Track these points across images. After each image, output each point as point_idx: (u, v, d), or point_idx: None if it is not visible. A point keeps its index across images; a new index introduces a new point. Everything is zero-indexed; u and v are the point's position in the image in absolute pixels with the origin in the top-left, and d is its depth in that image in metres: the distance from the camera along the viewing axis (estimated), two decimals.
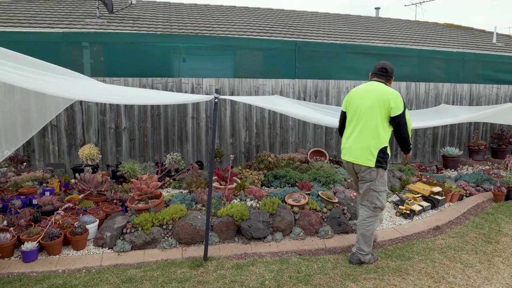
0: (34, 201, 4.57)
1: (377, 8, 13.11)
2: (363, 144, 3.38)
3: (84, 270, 3.40)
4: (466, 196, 5.62)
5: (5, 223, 3.91)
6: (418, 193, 5.27)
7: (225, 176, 5.05)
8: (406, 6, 31.82)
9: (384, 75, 3.51)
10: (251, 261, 3.60)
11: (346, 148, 3.54)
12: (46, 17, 7.22)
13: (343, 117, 3.66)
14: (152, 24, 7.51)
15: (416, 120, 5.65)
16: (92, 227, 3.97)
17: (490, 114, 5.73)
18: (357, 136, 3.42)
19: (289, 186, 5.55)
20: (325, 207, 4.52)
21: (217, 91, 3.57)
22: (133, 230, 3.89)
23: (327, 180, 5.56)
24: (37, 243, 3.58)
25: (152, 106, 6.59)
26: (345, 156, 3.57)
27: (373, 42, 8.13)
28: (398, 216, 4.84)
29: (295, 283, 3.19)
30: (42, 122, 4.49)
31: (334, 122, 4.82)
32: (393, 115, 3.33)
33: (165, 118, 6.67)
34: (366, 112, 3.37)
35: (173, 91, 6.61)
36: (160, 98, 4.59)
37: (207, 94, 6.75)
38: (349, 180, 5.83)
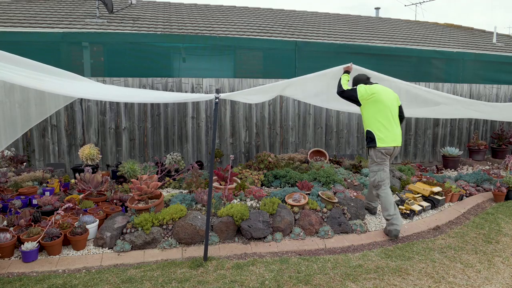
0: (34, 201, 4.57)
1: (377, 8, 13.11)
2: (400, 131, 4.34)
3: (84, 270, 3.40)
4: (466, 196, 5.62)
5: (5, 223, 3.91)
6: (418, 193, 5.27)
7: (225, 176, 5.05)
8: (406, 6, 31.84)
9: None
10: (251, 261, 3.60)
11: (392, 136, 4.21)
12: (46, 17, 7.22)
13: (355, 98, 4.29)
14: (152, 24, 7.51)
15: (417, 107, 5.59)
16: (92, 227, 3.97)
17: (491, 109, 5.71)
18: (396, 126, 4.28)
19: (289, 186, 5.55)
20: (325, 207, 4.52)
21: (217, 91, 3.58)
22: (133, 230, 3.89)
23: (327, 180, 5.57)
24: (37, 243, 3.58)
25: (152, 106, 6.59)
26: (392, 143, 4.21)
27: (373, 42, 8.13)
28: None
29: (295, 283, 3.19)
30: (41, 117, 4.53)
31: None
32: (399, 104, 4.46)
33: (165, 118, 6.67)
34: (394, 106, 4.29)
35: (173, 91, 6.61)
36: (160, 98, 4.58)
37: (207, 94, 6.75)
38: (349, 180, 5.83)
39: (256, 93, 4.73)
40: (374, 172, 4.27)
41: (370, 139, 4.20)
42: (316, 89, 5.26)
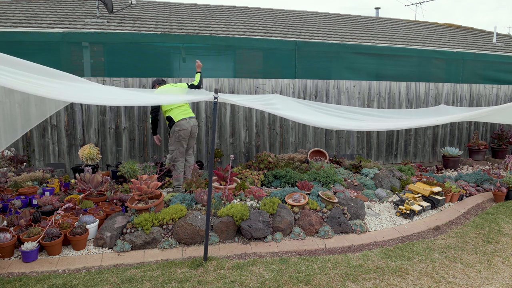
0: (34, 201, 4.57)
1: (377, 8, 13.11)
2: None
3: (84, 270, 3.40)
4: (466, 196, 5.62)
5: (5, 223, 3.91)
6: (418, 193, 5.27)
7: (225, 176, 5.05)
8: (406, 6, 31.82)
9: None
10: (251, 261, 3.60)
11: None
12: (46, 17, 7.22)
13: None
14: (152, 24, 7.51)
15: (417, 119, 5.62)
16: (92, 227, 3.97)
17: (489, 112, 5.71)
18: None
19: (289, 186, 5.55)
20: (325, 207, 4.52)
21: (216, 91, 3.57)
22: (133, 230, 3.89)
23: (327, 180, 5.57)
24: (37, 243, 3.58)
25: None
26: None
27: (373, 42, 8.13)
28: (398, 216, 4.84)
29: (295, 283, 3.19)
30: (42, 117, 4.55)
31: (334, 123, 4.79)
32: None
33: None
34: None
35: None
36: (160, 99, 4.54)
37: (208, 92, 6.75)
38: (349, 180, 5.83)
39: (253, 105, 4.66)
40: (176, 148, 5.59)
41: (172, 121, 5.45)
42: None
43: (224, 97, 3.82)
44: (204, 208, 4.40)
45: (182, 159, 5.62)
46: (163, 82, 5.93)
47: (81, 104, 6.28)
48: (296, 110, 5.11)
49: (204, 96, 3.97)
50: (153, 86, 5.89)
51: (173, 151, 5.56)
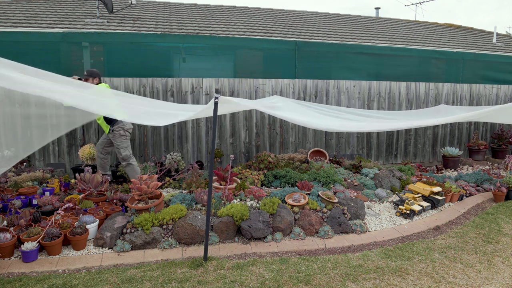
0: (34, 201, 4.57)
1: (377, 8, 13.12)
2: (102, 119, 5.27)
3: (84, 270, 3.40)
4: (466, 196, 5.62)
5: (5, 223, 3.91)
6: (418, 193, 5.27)
7: (225, 176, 5.05)
8: (406, 6, 31.84)
9: (87, 76, 5.12)
10: (251, 261, 3.60)
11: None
12: (46, 17, 7.22)
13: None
14: (152, 24, 7.51)
15: (416, 119, 5.64)
16: (92, 227, 3.97)
17: (489, 112, 5.71)
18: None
19: (289, 186, 5.55)
20: (325, 207, 4.52)
21: (217, 91, 3.57)
22: (133, 230, 3.89)
23: (327, 180, 5.57)
24: (37, 243, 3.58)
25: None
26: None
27: (373, 42, 8.13)
28: (398, 216, 4.84)
29: (295, 283, 3.19)
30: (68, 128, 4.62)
31: (335, 125, 4.79)
32: None
33: None
34: None
35: (173, 91, 6.62)
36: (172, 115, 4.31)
37: (207, 94, 6.76)
38: (349, 180, 5.83)
39: (253, 106, 4.65)
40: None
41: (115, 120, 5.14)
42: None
43: (225, 98, 3.80)
44: (204, 208, 4.40)
45: (134, 158, 5.40)
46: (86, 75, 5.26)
47: None
48: (296, 112, 5.10)
49: (211, 103, 3.77)
50: (91, 76, 5.15)
51: (125, 148, 5.27)
